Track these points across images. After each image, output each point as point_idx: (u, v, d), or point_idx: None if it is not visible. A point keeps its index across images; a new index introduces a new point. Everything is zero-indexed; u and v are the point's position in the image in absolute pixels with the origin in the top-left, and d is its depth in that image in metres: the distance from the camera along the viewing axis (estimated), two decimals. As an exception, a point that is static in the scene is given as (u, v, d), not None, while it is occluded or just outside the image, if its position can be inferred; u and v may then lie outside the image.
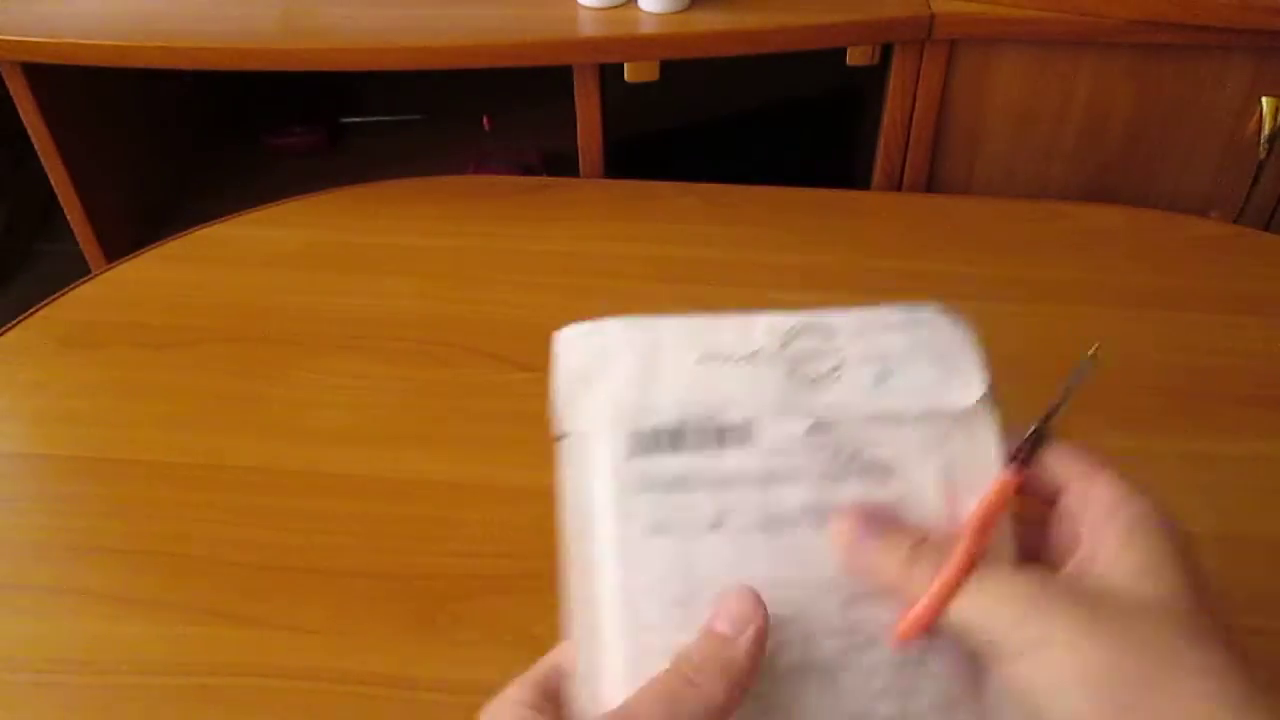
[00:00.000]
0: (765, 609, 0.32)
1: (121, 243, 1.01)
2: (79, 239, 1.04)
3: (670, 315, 0.37)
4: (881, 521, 0.34)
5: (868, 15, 0.85)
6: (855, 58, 0.90)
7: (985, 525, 0.33)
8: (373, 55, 0.86)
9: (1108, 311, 0.74)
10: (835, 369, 0.36)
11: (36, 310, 0.76)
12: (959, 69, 0.88)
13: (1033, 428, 0.34)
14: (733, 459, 0.35)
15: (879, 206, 0.90)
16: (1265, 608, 0.54)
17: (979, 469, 0.34)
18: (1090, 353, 0.36)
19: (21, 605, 0.57)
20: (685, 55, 0.87)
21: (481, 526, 0.60)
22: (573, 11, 0.88)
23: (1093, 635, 0.29)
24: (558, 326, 0.79)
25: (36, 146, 0.97)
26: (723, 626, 0.32)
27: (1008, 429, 0.35)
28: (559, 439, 0.36)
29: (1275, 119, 0.87)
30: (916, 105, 0.90)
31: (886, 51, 0.90)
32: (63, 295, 0.77)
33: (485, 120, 1.19)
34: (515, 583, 0.56)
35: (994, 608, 0.31)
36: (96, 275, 0.79)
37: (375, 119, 1.25)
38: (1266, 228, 0.93)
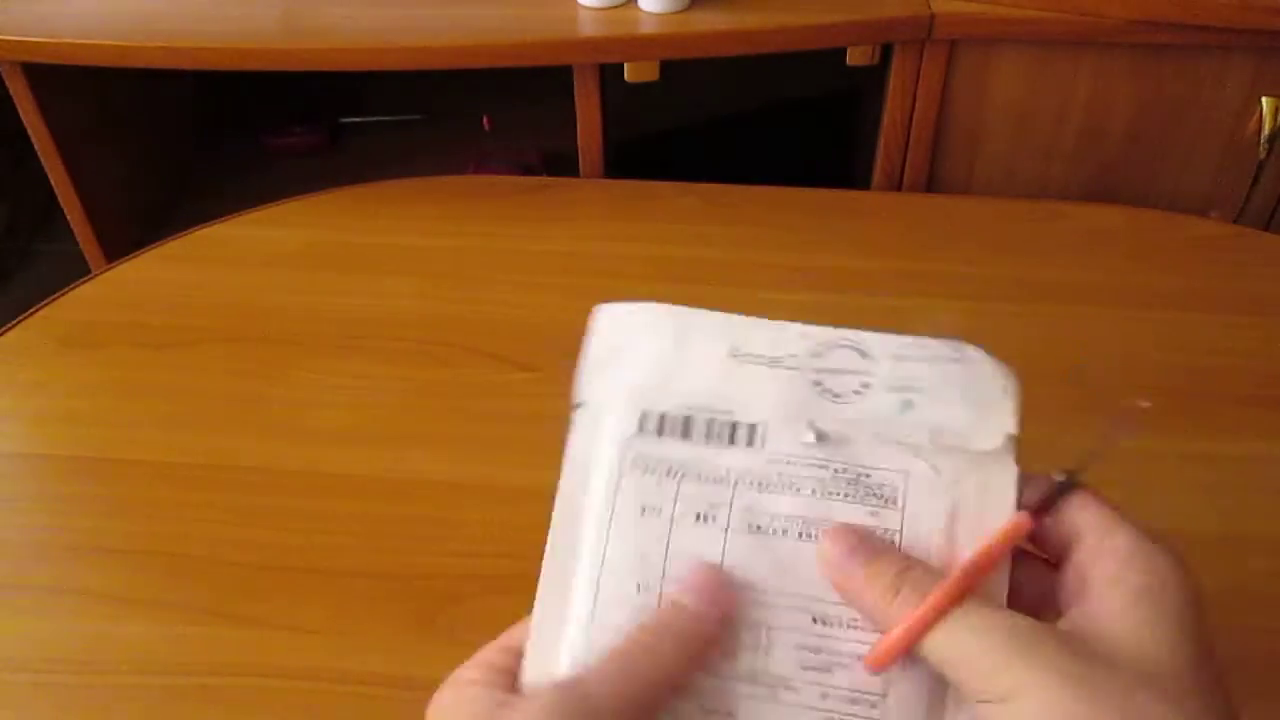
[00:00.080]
0: (733, 589, 0.33)
1: (121, 243, 1.01)
2: (79, 239, 1.04)
3: (709, 309, 0.37)
4: (872, 545, 0.33)
5: (868, 15, 0.85)
6: (855, 58, 0.90)
7: (983, 564, 0.32)
8: (373, 55, 0.86)
9: (1108, 311, 0.74)
10: (861, 389, 0.35)
11: (36, 310, 0.76)
12: (959, 69, 0.88)
13: (1058, 478, 0.33)
14: (737, 457, 0.35)
15: (879, 206, 0.90)
16: (1265, 607, 0.54)
17: (986, 517, 0.33)
18: (1143, 405, 0.35)
19: (21, 605, 0.57)
20: (685, 55, 0.87)
21: (481, 526, 0.60)
22: (573, 11, 0.88)
23: (1076, 691, 0.27)
24: (558, 326, 0.79)
25: (36, 146, 0.97)
26: (688, 599, 0.32)
27: (1028, 474, 0.34)
28: (575, 407, 0.37)
29: (1275, 119, 0.87)
30: (916, 105, 0.90)
31: (886, 51, 0.90)
32: (63, 295, 0.77)
33: (485, 120, 1.19)
34: (515, 583, 0.56)
35: (974, 646, 0.29)
36: (96, 275, 0.79)
37: (375, 119, 1.25)
38: (1266, 228, 0.93)
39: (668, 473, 0.35)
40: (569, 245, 0.81)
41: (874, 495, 0.34)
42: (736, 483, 0.35)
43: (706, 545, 0.34)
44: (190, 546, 0.59)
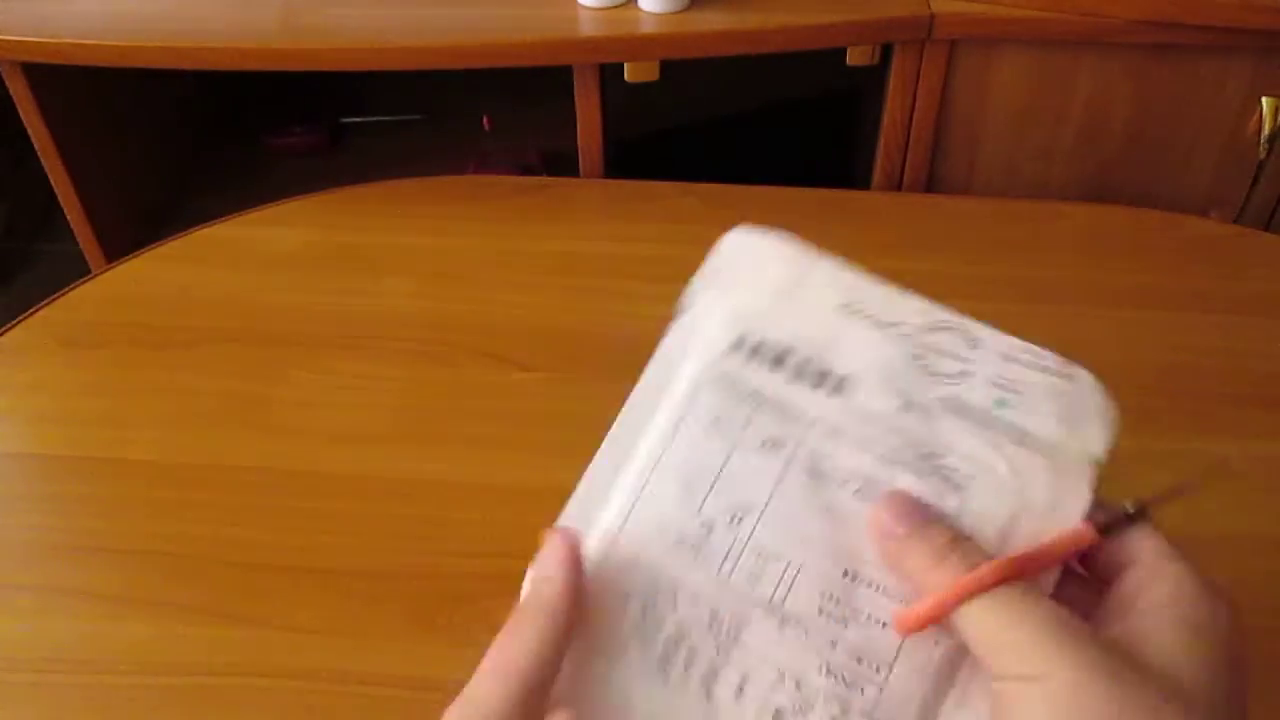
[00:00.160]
0: (577, 550, 0.33)
1: (121, 243, 1.01)
2: (79, 239, 1.04)
3: (834, 260, 0.38)
4: (926, 514, 0.33)
5: (868, 15, 0.85)
6: (855, 58, 0.90)
7: (1038, 558, 0.32)
8: (373, 55, 0.86)
9: (1108, 311, 0.74)
10: (960, 375, 0.35)
11: (36, 310, 0.76)
12: (959, 69, 0.88)
13: (1128, 508, 0.33)
14: (819, 402, 0.35)
15: (879, 206, 0.90)
16: (1266, 608, 0.54)
17: (1044, 533, 0.33)
18: (1233, 465, 0.35)
19: (21, 605, 0.57)
20: (685, 55, 0.87)
21: (481, 526, 0.60)
22: (573, 11, 0.88)
23: (1108, 685, 0.27)
24: (558, 326, 0.79)
25: (36, 146, 0.97)
26: (540, 573, 0.33)
27: (1098, 498, 0.34)
28: (679, 314, 0.37)
29: (1275, 119, 0.87)
30: (916, 105, 0.90)
31: (886, 51, 0.90)
32: (63, 295, 0.77)
33: (485, 120, 1.19)
34: (515, 583, 0.56)
35: (1013, 622, 0.29)
36: (96, 275, 0.79)
37: (375, 119, 1.25)
38: (1266, 228, 0.93)
39: (748, 396, 0.35)
40: (569, 245, 0.81)
41: (941, 477, 0.34)
42: (812, 424, 0.35)
43: (764, 471, 0.34)
44: (190, 546, 0.59)
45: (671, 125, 1.11)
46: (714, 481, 0.35)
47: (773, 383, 0.35)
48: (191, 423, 0.67)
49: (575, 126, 0.93)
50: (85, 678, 0.53)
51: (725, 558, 0.34)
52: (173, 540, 0.60)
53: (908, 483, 0.34)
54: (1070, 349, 0.72)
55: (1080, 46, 0.86)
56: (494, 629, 0.35)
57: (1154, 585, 0.31)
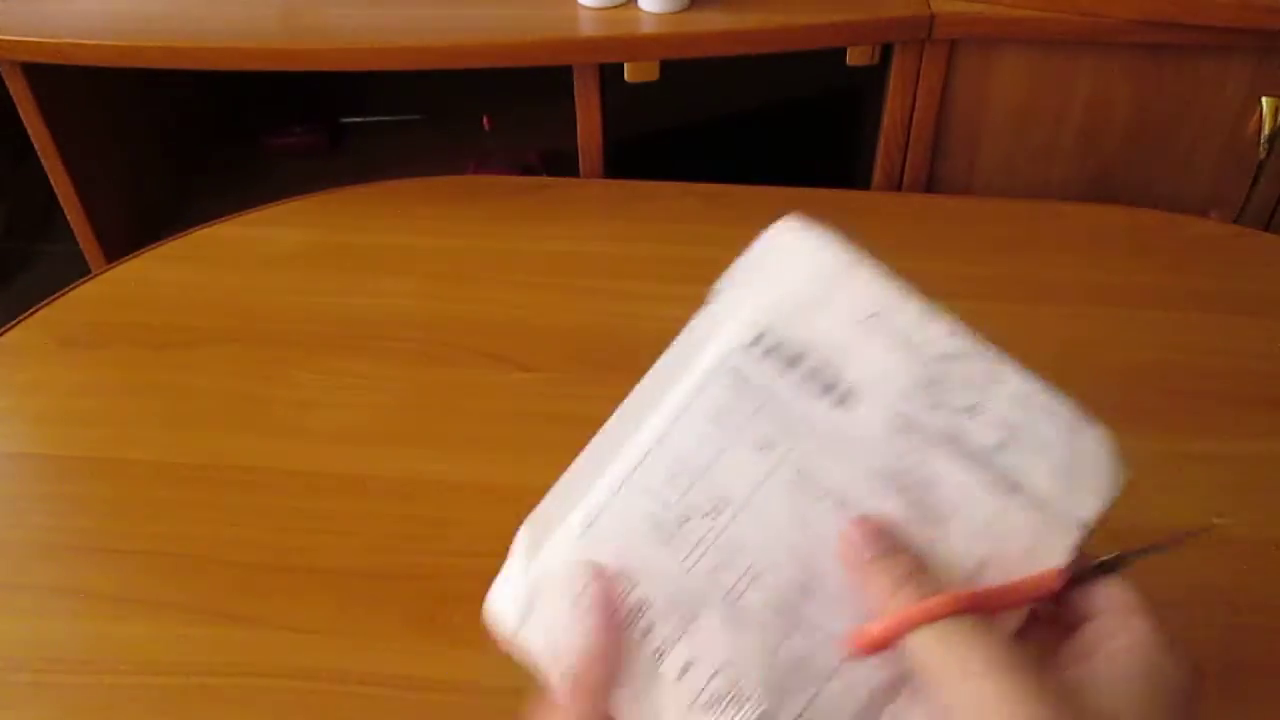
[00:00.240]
0: (616, 595, 0.34)
1: (121, 243, 1.01)
2: (79, 239, 1.04)
3: (875, 266, 0.37)
4: (895, 541, 0.33)
5: (868, 15, 0.85)
6: (855, 58, 0.90)
7: (999, 596, 0.32)
8: (373, 55, 0.86)
9: (1108, 311, 0.74)
10: (970, 409, 0.35)
11: (36, 310, 0.76)
12: (959, 69, 0.88)
13: (1105, 558, 0.33)
14: (820, 410, 0.35)
15: (879, 206, 0.90)
16: (1266, 608, 0.54)
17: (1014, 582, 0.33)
18: (1219, 522, 0.35)
19: (21, 605, 0.57)
20: (685, 55, 0.87)
21: (481, 526, 0.60)
22: (573, 11, 0.88)
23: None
24: (558, 326, 0.79)
25: (36, 146, 0.97)
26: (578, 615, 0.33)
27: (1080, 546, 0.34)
28: (712, 295, 0.38)
29: (1275, 119, 0.87)
30: (916, 105, 0.90)
31: (886, 51, 0.90)
32: (63, 295, 0.77)
33: (485, 120, 1.19)
34: (515, 583, 0.56)
35: (958, 652, 0.29)
36: (96, 275, 0.79)
37: (375, 119, 1.25)
38: (1266, 228, 0.93)
39: (755, 394, 0.35)
40: (569, 245, 0.81)
41: (922, 508, 0.34)
42: (809, 432, 0.35)
43: (752, 470, 0.34)
44: (190, 546, 0.59)
45: (671, 125, 1.11)
46: (702, 472, 0.35)
47: (782, 384, 0.35)
48: (191, 423, 0.67)
49: (575, 126, 0.93)
50: (85, 678, 0.53)
51: (695, 546, 0.34)
52: (173, 540, 0.60)
53: (889, 507, 0.34)
54: (1070, 349, 0.72)
55: (1080, 46, 0.86)
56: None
57: (1117, 635, 0.31)
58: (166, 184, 1.17)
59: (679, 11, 0.87)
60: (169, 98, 1.19)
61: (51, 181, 0.99)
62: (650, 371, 0.37)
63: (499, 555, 0.58)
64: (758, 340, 0.36)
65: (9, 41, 0.88)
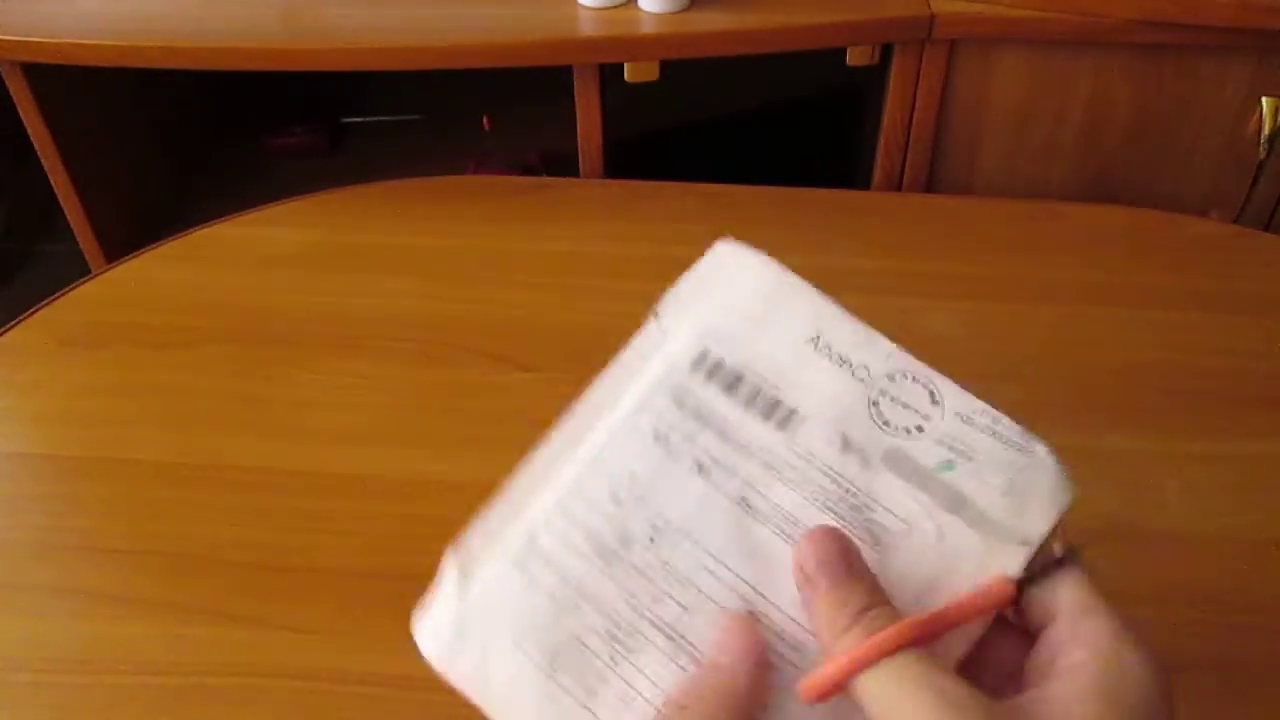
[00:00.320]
0: (760, 633, 0.32)
1: (121, 243, 1.01)
2: (79, 239, 1.04)
3: (816, 290, 0.37)
4: (848, 566, 0.32)
5: (868, 15, 0.85)
6: (855, 58, 0.90)
7: (946, 617, 0.31)
8: (373, 55, 0.86)
9: (1108, 311, 0.74)
10: (914, 430, 0.34)
11: (36, 310, 0.76)
12: (959, 69, 0.88)
13: (1057, 552, 0.32)
14: (762, 432, 0.35)
15: (879, 206, 0.90)
16: (1266, 607, 0.54)
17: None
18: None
19: (21, 605, 0.57)
20: (685, 55, 0.87)
21: (481, 526, 0.60)
22: (573, 11, 0.88)
23: None
24: (558, 326, 0.79)
25: (36, 146, 0.97)
26: (724, 659, 0.32)
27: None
28: (653, 315, 0.37)
29: (1275, 119, 0.87)
30: (916, 105, 0.90)
31: (886, 51, 0.90)
32: (63, 295, 0.77)
33: (485, 120, 1.19)
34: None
35: (899, 697, 0.29)
36: (96, 275, 0.79)
37: (375, 119, 1.25)
38: (1266, 228, 0.93)
39: (697, 415, 0.35)
40: (569, 245, 0.81)
41: (868, 530, 0.33)
42: (751, 455, 0.35)
43: (693, 493, 0.34)
44: (190, 546, 0.59)
45: (671, 125, 1.11)
46: (644, 494, 0.34)
47: (723, 406, 0.35)
48: (191, 423, 0.67)
49: (575, 126, 0.93)
50: (85, 678, 0.53)
51: (636, 573, 0.34)
52: (173, 540, 0.60)
53: None
54: (1070, 349, 0.72)
55: (1080, 46, 0.86)
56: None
57: (1072, 646, 0.30)
58: (166, 184, 1.17)
59: (679, 11, 0.87)
60: (169, 98, 1.19)
61: (51, 181, 0.99)
62: (590, 391, 0.37)
63: (499, 555, 0.58)
64: (700, 360, 0.36)
65: (9, 41, 0.88)
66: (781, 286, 0.37)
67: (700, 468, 0.34)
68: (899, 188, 0.95)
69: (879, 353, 0.36)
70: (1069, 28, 0.84)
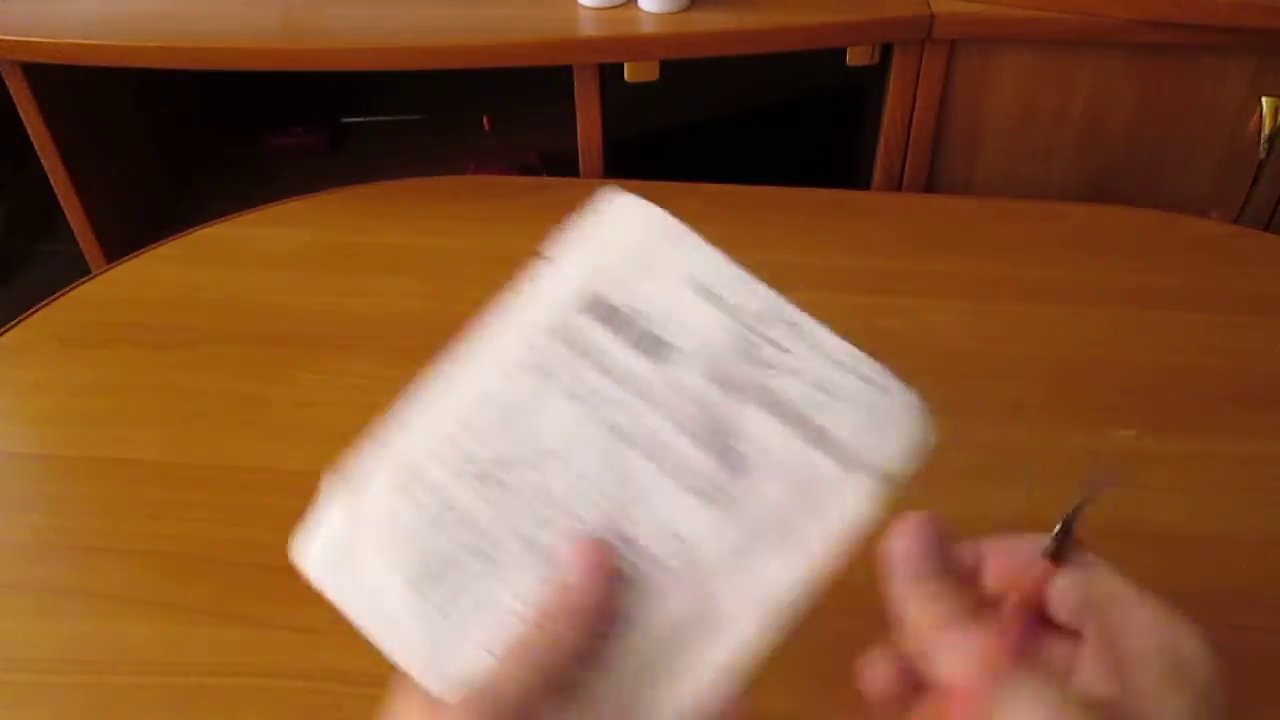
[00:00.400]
0: (613, 551, 0.34)
1: (121, 243, 1.01)
2: (79, 239, 1.04)
3: (699, 237, 0.39)
4: (944, 561, 0.33)
5: (868, 15, 0.85)
6: (855, 58, 0.90)
7: (1020, 615, 0.32)
8: (373, 55, 0.86)
9: (1108, 311, 0.74)
10: (781, 368, 0.36)
11: (36, 310, 0.76)
12: (959, 69, 0.88)
13: (1060, 525, 0.33)
14: (638, 365, 0.36)
15: (879, 206, 0.90)
16: (1266, 607, 0.54)
17: (809, 530, 0.34)
18: (1127, 433, 0.35)
19: (21, 605, 0.57)
20: (685, 55, 0.87)
21: (481, 526, 0.60)
22: (573, 11, 0.88)
23: None
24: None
25: (36, 146, 0.97)
26: (574, 577, 0.34)
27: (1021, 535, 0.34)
28: (542, 256, 0.40)
29: (1275, 119, 0.87)
30: (916, 105, 0.90)
31: (886, 51, 0.90)
32: (63, 295, 0.77)
33: (485, 120, 1.19)
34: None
35: (1035, 712, 0.30)
36: (96, 275, 0.79)
37: (376, 119, 1.25)
38: (1266, 228, 0.93)
39: (578, 350, 0.37)
40: (569, 245, 0.81)
41: (727, 457, 0.35)
42: (626, 385, 0.36)
43: (570, 420, 0.36)
44: (190, 546, 0.59)
45: (671, 125, 1.11)
46: (521, 422, 0.36)
47: (604, 341, 0.37)
48: (191, 423, 0.67)
49: (575, 126, 0.93)
50: (85, 678, 0.53)
51: (509, 494, 0.36)
52: (173, 540, 0.60)
53: (693, 456, 0.35)
54: (1070, 349, 0.72)
55: (1080, 46, 0.86)
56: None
57: (1128, 638, 0.31)
58: (166, 184, 1.17)
59: (679, 11, 0.87)
60: (169, 98, 1.19)
61: (51, 181, 0.99)
62: (478, 328, 0.40)
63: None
64: (584, 299, 0.38)
65: (9, 41, 0.88)
66: (667, 232, 0.39)
67: (578, 397, 0.36)
68: (899, 188, 0.95)
69: (755, 296, 0.37)
70: (1069, 28, 0.84)
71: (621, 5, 0.88)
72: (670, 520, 0.35)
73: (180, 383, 0.70)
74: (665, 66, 0.90)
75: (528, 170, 1.12)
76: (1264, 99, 0.87)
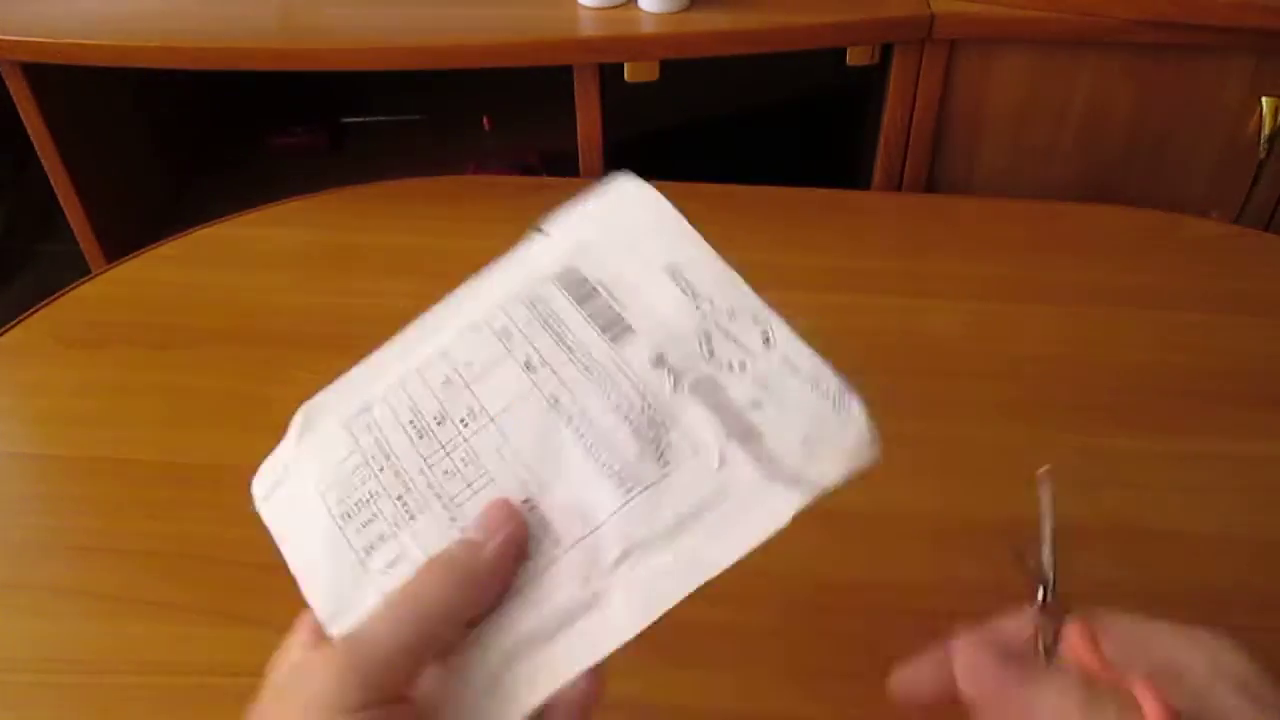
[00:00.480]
0: (522, 521, 0.34)
1: (121, 243, 1.01)
2: (79, 239, 1.04)
3: (692, 230, 0.39)
4: (1003, 672, 0.33)
5: (868, 15, 0.85)
6: (855, 58, 0.90)
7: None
8: (373, 55, 0.86)
9: (1108, 311, 0.74)
10: (736, 366, 0.35)
11: (36, 310, 0.76)
12: (959, 69, 0.88)
13: (1031, 564, 0.33)
14: (592, 341, 0.36)
15: (879, 206, 0.90)
16: (1266, 607, 0.54)
17: (725, 533, 0.33)
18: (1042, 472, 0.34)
19: (21, 605, 0.57)
20: (685, 55, 0.87)
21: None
22: (573, 11, 0.88)
23: None
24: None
25: (36, 146, 0.97)
26: (472, 534, 0.34)
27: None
28: (536, 229, 0.40)
29: (1275, 119, 0.87)
30: (916, 105, 0.90)
31: (886, 51, 0.90)
32: (63, 295, 0.77)
33: (485, 120, 1.19)
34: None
35: None
36: (96, 275, 0.79)
37: (376, 119, 1.25)
38: (1266, 228, 0.93)
39: (541, 318, 0.37)
40: (569, 245, 0.81)
41: (655, 446, 0.34)
42: (575, 359, 0.36)
43: (514, 387, 0.36)
44: (190, 546, 0.59)
45: (671, 125, 1.11)
46: (471, 381, 0.37)
47: (567, 313, 0.37)
48: (191, 423, 0.67)
49: (575, 126, 0.93)
50: (85, 678, 0.53)
51: (440, 449, 0.36)
52: (173, 540, 0.60)
53: (624, 442, 0.35)
54: (1070, 349, 0.72)
55: (1080, 46, 0.86)
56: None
57: (1172, 655, 0.31)
58: (166, 184, 1.17)
59: (679, 11, 0.87)
60: (169, 98, 1.19)
61: (51, 181, 0.99)
62: (466, 286, 0.40)
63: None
64: (562, 272, 0.38)
65: (9, 41, 0.88)
66: (662, 220, 0.39)
67: (529, 365, 0.37)
68: (899, 188, 0.95)
69: (730, 292, 0.37)
70: (1069, 28, 0.84)
71: (621, 5, 0.88)
72: (580, 500, 0.34)
73: (180, 383, 0.70)
74: (665, 66, 0.90)
75: (528, 170, 1.12)
76: (1264, 99, 0.87)
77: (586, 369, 0.36)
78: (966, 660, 0.33)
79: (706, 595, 0.33)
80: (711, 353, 0.36)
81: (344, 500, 0.36)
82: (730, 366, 0.35)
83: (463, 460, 0.36)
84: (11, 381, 0.71)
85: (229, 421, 0.67)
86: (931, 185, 0.95)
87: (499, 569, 0.33)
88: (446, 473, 0.35)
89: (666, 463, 0.34)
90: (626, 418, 0.35)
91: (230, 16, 0.89)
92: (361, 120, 1.24)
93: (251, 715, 0.32)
